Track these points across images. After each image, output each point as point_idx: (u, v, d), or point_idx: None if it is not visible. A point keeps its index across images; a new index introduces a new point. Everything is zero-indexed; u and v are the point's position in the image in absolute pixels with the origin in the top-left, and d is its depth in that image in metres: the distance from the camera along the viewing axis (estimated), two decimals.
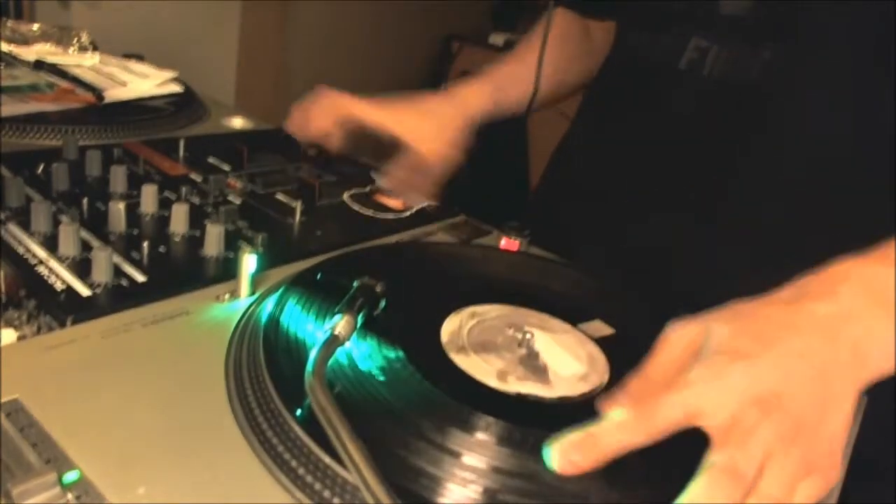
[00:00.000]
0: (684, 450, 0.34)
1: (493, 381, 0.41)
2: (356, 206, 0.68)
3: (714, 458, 0.34)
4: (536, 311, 0.49)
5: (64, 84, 0.90)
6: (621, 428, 0.34)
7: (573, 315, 0.49)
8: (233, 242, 0.55)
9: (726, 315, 0.39)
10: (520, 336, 0.45)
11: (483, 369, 0.42)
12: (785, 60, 0.58)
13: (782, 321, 0.38)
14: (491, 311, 0.49)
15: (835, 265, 0.40)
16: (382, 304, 0.44)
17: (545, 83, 0.76)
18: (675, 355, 0.39)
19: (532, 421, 0.37)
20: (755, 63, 0.59)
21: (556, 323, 0.48)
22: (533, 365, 0.43)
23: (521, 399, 0.40)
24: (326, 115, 0.70)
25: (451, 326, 0.46)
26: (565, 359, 0.44)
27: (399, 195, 0.70)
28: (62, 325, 0.43)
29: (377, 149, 0.72)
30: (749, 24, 0.60)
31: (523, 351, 0.44)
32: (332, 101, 0.70)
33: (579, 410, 0.38)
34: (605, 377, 0.43)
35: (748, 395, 0.35)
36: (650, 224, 0.67)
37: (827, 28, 0.57)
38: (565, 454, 0.34)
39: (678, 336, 0.39)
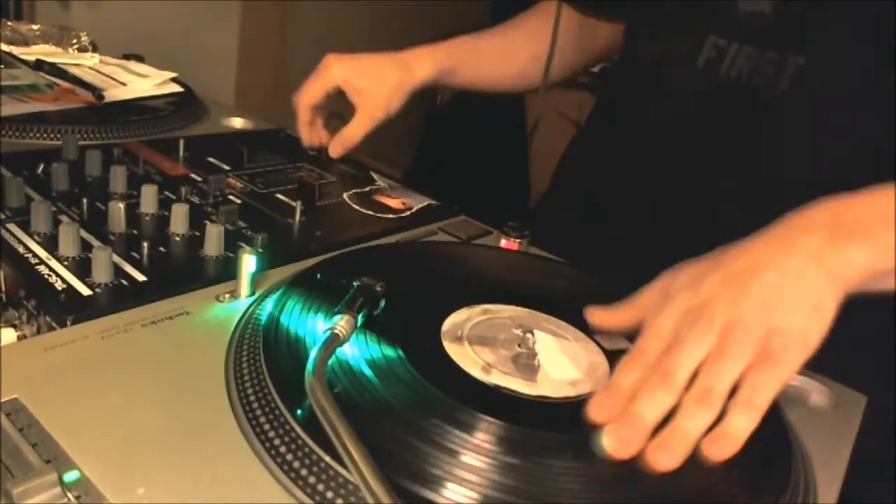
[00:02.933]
0: None
1: (476, 372, 0.41)
2: (356, 206, 0.68)
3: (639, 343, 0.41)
4: (553, 316, 0.49)
5: (64, 84, 0.90)
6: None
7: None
8: (233, 242, 0.55)
9: (690, 263, 0.44)
10: (521, 335, 0.45)
11: (470, 360, 0.42)
12: (806, 60, 0.57)
13: (727, 258, 0.42)
14: (504, 311, 0.49)
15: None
16: (382, 303, 0.44)
17: (535, 65, 0.78)
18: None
19: (504, 415, 0.37)
20: (775, 62, 0.58)
21: (571, 330, 0.48)
22: (524, 363, 0.43)
23: (497, 391, 0.40)
24: (319, 81, 0.75)
25: (458, 318, 0.46)
26: (563, 364, 0.44)
27: (335, 152, 0.76)
28: (62, 325, 0.43)
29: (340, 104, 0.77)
30: (769, 23, 0.59)
31: (520, 349, 0.44)
32: (324, 68, 0.75)
33: (555, 411, 0.39)
34: (599, 387, 0.42)
35: (685, 299, 0.41)
36: (663, 230, 0.66)
37: (848, 28, 0.56)
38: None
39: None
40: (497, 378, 0.41)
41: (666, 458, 0.35)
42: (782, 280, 0.40)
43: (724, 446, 0.36)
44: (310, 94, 0.75)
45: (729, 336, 0.38)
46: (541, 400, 0.40)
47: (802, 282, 0.39)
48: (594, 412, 0.38)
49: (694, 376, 0.38)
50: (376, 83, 0.74)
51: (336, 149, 0.76)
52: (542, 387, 0.41)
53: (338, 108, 0.79)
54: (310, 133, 0.78)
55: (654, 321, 0.41)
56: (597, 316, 0.46)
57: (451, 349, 0.43)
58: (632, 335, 0.43)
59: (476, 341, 0.44)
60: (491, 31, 0.83)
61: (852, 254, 0.40)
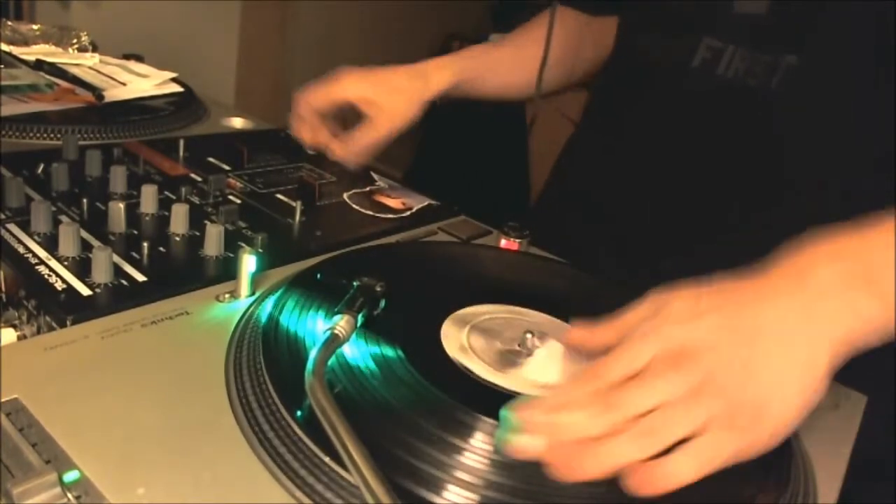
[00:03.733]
0: None
1: (453, 351, 0.42)
2: (356, 206, 0.68)
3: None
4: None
5: (64, 84, 0.90)
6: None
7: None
8: (233, 242, 0.55)
9: (688, 289, 0.40)
10: (523, 335, 0.45)
11: (457, 340, 0.43)
12: (802, 61, 0.57)
13: (731, 293, 0.39)
14: (533, 317, 0.49)
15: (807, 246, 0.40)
16: (382, 303, 0.44)
17: (548, 71, 0.77)
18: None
19: (491, 412, 0.36)
20: (771, 63, 0.58)
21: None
22: (510, 359, 0.43)
23: (498, 392, 0.40)
24: (329, 93, 0.74)
25: (477, 310, 0.47)
26: (550, 371, 0.43)
27: (342, 158, 0.75)
28: (62, 325, 0.43)
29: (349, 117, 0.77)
30: (764, 24, 0.59)
31: (518, 348, 0.44)
32: (336, 82, 0.74)
33: (499, 399, 0.38)
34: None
35: (668, 346, 0.37)
36: (661, 228, 0.66)
37: (843, 28, 0.56)
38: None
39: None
40: (468, 360, 0.41)
41: (570, 471, 0.33)
42: (784, 355, 0.36)
43: (656, 481, 0.33)
44: (317, 101, 0.75)
45: (702, 392, 0.35)
46: (494, 388, 0.40)
47: (806, 361, 0.36)
48: (514, 413, 0.35)
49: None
50: (392, 96, 0.73)
51: (351, 160, 0.75)
52: (508, 380, 0.41)
53: (342, 115, 0.78)
54: (313, 135, 0.78)
55: (630, 345, 0.38)
56: (576, 337, 0.43)
57: (448, 329, 0.43)
58: None
59: (479, 331, 0.44)
60: (502, 41, 0.83)
61: (867, 313, 0.37)
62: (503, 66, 0.81)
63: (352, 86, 0.73)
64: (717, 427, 0.35)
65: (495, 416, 0.36)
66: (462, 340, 0.43)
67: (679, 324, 0.38)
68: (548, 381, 0.42)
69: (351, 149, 0.74)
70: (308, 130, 0.77)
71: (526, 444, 0.34)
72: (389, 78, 0.74)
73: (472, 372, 0.41)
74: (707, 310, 0.38)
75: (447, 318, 0.46)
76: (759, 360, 0.36)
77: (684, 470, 0.34)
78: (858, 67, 0.56)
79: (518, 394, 0.40)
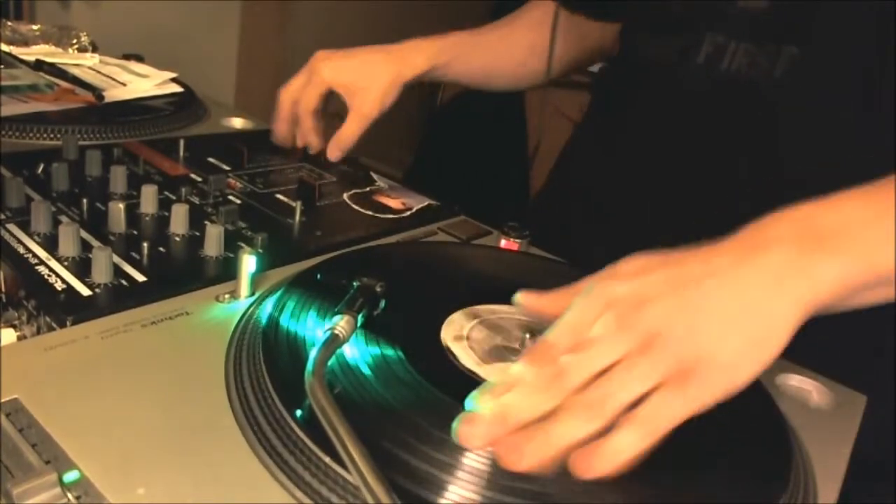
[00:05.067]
0: (680, 446, 0.34)
1: (449, 339, 0.42)
2: (356, 206, 0.68)
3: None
4: None
5: (64, 84, 0.90)
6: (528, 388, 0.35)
7: None
8: (233, 242, 0.55)
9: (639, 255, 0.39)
10: (525, 336, 0.45)
11: (457, 329, 0.43)
12: (804, 52, 0.57)
13: (682, 255, 0.38)
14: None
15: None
16: (382, 303, 0.44)
17: (534, 56, 0.78)
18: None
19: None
20: (774, 54, 0.59)
21: None
22: (501, 354, 0.43)
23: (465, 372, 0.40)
24: (312, 86, 0.75)
25: (493, 307, 0.47)
26: None
27: (329, 152, 0.76)
28: (62, 325, 0.43)
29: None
30: (766, 18, 0.59)
31: (517, 347, 0.44)
32: (313, 72, 0.75)
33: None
34: None
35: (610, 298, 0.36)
36: (662, 227, 0.66)
37: (847, 18, 0.56)
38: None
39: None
40: (456, 346, 0.41)
41: (516, 458, 0.32)
42: (731, 300, 0.35)
43: (597, 462, 0.32)
44: (311, 102, 0.75)
45: (647, 348, 0.34)
46: (471, 374, 0.40)
47: (753, 307, 0.35)
48: (472, 400, 0.34)
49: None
50: (369, 81, 0.74)
51: (334, 152, 0.76)
52: (487, 371, 0.41)
53: (332, 108, 0.79)
54: (315, 139, 0.78)
55: (576, 309, 0.36)
56: (527, 300, 0.41)
57: (454, 319, 0.43)
58: None
59: (486, 325, 0.44)
60: (490, 26, 0.83)
61: (821, 271, 0.36)
62: (487, 49, 0.81)
63: (328, 72, 0.74)
64: (664, 388, 0.33)
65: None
66: (462, 330, 0.43)
67: (623, 280, 0.37)
68: None
69: (336, 144, 0.75)
70: (284, 125, 0.78)
71: (467, 433, 0.33)
72: (367, 61, 0.75)
73: (456, 358, 0.41)
74: (654, 266, 0.37)
75: (460, 310, 0.46)
76: (707, 309, 0.35)
77: (627, 445, 0.32)
78: (860, 58, 0.56)
79: (474, 375, 0.40)
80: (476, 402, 0.34)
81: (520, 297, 0.41)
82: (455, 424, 0.34)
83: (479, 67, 0.81)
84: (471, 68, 0.80)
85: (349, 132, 0.75)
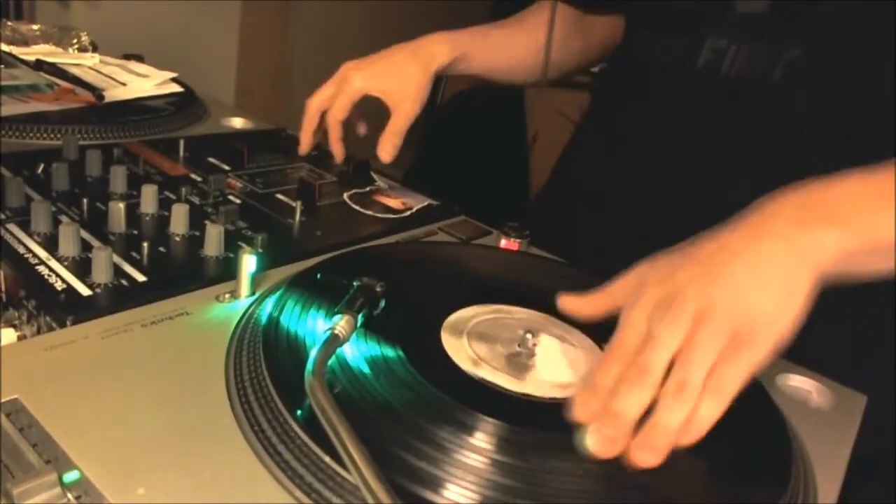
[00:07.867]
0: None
1: (465, 364, 0.41)
2: (356, 206, 0.68)
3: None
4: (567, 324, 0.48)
5: (64, 84, 0.90)
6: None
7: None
8: (233, 242, 0.55)
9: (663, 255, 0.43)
10: (522, 335, 0.45)
11: (464, 352, 0.43)
12: (803, 59, 0.58)
13: (701, 241, 0.42)
14: (517, 313, 0.49)
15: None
16: (382, 303, 0.44)
17: (538, 57, 0.79)
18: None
19: (491, 411, 0.37)
20: (773, 56, 0.59)
21: (579, 336, 0.47)
22: (518, 362, 0.43)
23: (483, 385, 0.40)
24: (344, 95, 0.75)
25: (465, 314, 0.47)
26: (559, 367, 0.44)
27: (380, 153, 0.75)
28: (62, 325, 0.43)
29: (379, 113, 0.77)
30: (766, 22, 0.59)
31: (519, 349, 0.44)
32: (345, 81, 0.75)
33: (537, 409, 0.39)
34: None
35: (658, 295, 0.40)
36: (662, 228, 0.66)
37: (846, 20, 0.56)
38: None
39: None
40: (485, 372, 0.41)
41: (650, 456, 0.35)
42: (752, 265, 0.39)
43: (688, 434, 0.36)
44: (342, 112, 0.75)
45: (700, 325, 0.38)
46: (525, 398, 0.40)
47: (773, 265, 0.39)
48: (576, 410, 0.38)
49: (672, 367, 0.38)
50: (403, 82, 0.74)
51: (388, 151, 0.75)
52: (529, 385, 0.41)
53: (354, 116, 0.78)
54: (340, 148, 0.78)
55: (629, 314, 0.41)
56: (568, 303, 0.46)
57: (448, 341, 0.43)
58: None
59: (476, 337, 0.44)
60: (497, 24, 0.84)
61: (822, 235, 0.39)
62: (496, 46, 0.82)
63: (360, 80, 0.74)
64: (723, 357, 0.37)
65: (495, 416, 0.36)
66: (468, 352, 0.43)
67: (656, 284, 0.41)
68: (563, 378, 0.43)
69: (388, 143, 0.75)
70: (310, 136, 0.78)
71: (602, 444, 0.35)
72: (395, 63, 0.75)
73: (497, 385, 0.41)
74: (675, 263, 0.42)
75: (460, 309, 0.46)
76: (736, 274, 0.39)
77: (711, 410, 0.36)
78: (860, 59, 0.56)
79: (529, 396, 0.40)
80: (585, 418, 0.37)
81: (561, 301, 0.46)
82: (583, 440, 0.36)
83: (491, 63, 0.82)
84: (484, 64, 0.81)
85: (397, 130, 0.75)
